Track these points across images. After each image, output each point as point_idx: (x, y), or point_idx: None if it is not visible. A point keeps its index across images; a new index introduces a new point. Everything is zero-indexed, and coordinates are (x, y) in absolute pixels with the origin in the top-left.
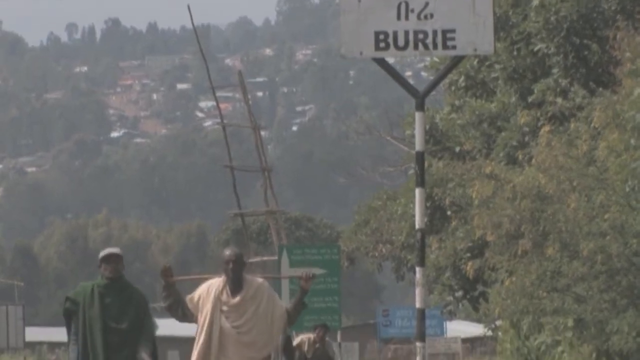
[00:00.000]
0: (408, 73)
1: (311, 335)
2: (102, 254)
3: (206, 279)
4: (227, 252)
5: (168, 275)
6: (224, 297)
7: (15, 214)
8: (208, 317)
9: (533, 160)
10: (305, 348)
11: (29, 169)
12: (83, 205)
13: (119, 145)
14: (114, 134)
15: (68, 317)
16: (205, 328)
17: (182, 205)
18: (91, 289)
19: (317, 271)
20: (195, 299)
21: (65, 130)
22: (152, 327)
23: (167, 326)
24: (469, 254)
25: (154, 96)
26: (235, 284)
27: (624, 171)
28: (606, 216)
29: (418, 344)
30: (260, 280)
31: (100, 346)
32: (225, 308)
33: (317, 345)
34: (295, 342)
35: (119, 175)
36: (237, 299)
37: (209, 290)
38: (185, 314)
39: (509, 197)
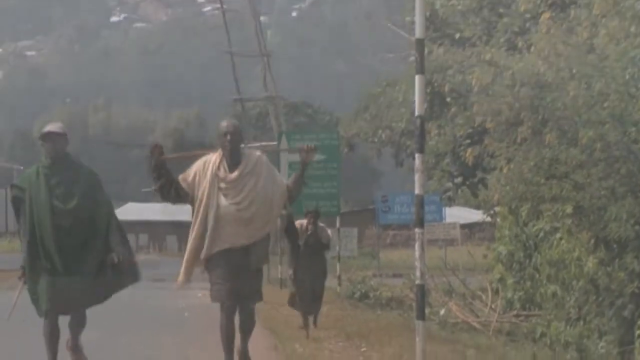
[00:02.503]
0: None
1: (303, 222)
2: (42, 131)
3: (200, 156)
4: (224, 123)
5: (158, 154)
6: (221, 172)
7: (14, 98)
8: (205, 195)
9: (532, 48)
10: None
11: (29, 53)
12: (83, 90)
13: (119, 30)
14: (114, 19)
15: (16, 205)
16: (202, 207)
17: (182, 90)
18: (36, 171)
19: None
20: (190, 177)
21: (65, 15)
22: (108, 206)
23: (164, 211)
24: (468, 141)
25: None
26: (233, 158)
27: (623, 59)
28: (605, 104)
29: (417, 229)
30: (258, 153)
31: (49, 230)
32: (223, 185)
33: (309, 232)
34: None
35: (118, 60)
36: (235, 173)
37: (205, 166)
38: (179, 195)
39: (508, 84)
